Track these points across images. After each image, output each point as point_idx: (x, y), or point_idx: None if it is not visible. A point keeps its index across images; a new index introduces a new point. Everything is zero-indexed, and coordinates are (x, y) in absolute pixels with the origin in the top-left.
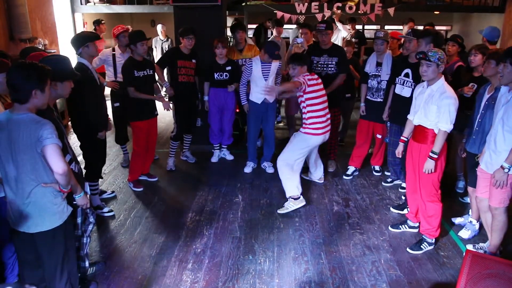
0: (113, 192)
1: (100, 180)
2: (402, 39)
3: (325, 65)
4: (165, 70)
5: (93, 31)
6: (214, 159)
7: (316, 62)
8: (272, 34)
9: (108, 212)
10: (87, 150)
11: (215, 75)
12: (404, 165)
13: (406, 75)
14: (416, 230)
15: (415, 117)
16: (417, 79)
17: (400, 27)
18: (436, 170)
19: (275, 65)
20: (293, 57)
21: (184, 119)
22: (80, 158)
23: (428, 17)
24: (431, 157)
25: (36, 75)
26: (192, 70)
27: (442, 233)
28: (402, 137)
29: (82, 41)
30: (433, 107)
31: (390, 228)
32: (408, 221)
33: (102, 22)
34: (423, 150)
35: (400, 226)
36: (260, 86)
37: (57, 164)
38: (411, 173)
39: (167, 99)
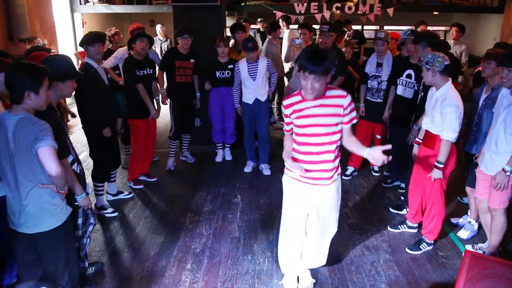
0: (130, 193)
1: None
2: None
3: None
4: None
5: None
6: (218, 158)
7: None
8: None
9: (112, 212)
10: (93, 149)
11: (217, 74)
12: (403, 166)
13: (408, 76)
14: (414, 231)
15: (423, 122)
16: (419, 80)
17: (400, 27)
18: (444, 175)
19: (263, 63)
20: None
21: (181, 118)
22: (81, 156)
23: (428, 17)
24: (437, 167)
25: (29, 76)
26: (190, 70)
27: (441, 234)
28: (417, 139)
29: (84, 42)
30: (437, 115)
31: (389, 228)
32: (407, 221)
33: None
34: (430, 155)
35: (399, 226)
36: (249, 86)
37: (51, 167)
38: (416, 175)
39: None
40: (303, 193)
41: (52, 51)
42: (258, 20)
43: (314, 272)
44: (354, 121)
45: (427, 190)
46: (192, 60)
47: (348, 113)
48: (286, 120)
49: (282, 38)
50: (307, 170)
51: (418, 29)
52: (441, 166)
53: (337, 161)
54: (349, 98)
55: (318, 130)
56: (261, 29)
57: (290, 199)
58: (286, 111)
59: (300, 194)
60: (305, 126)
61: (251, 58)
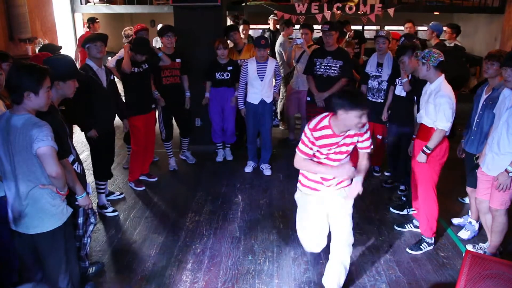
0: (121, 193)
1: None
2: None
3: (328, 67)
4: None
5: (87, 29)
6: (219, 158)
7: (319, 63)
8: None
9: (113, 212)
10: (93, 150)
11: (217, 75)
12: (402, 167)
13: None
14: (420, 230)
15: (418, 115)
16: (415, 81)
17: (401, 27)
18: (431, 165)
19: (271, 65)
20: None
21: (171, 121)
22: (82, 156)
23: (428, 17)
24: (424, 151)
25: (29, 77)
26: (177, 70)
27: (442, 234)
28: (414, 136)
29: (85, 42)
30: (431, 106)
31: (395, 227)
32: (414, 220)
33: (97, 20)
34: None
35: (406, 225)
36: (256, 86)
37: (50, 167)
38: (415, 171)
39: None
40: (321, 202)
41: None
42: (270, 17)
43: (314, 272)
44: (368, 150)
45: (419, 184)
46: (178, 60)
47: (365, 139)
48: (310, 146)
49: (292, 38)
50: (324, 179)
51: (406, 27)
52: (428, 151)
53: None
54: (366, 127)
55: (340, 157)
56: (272, 28)
57: (306, 211)
58: (316, 142)
59: (319, 203)
60: (330, 154)
61: (262, 56)
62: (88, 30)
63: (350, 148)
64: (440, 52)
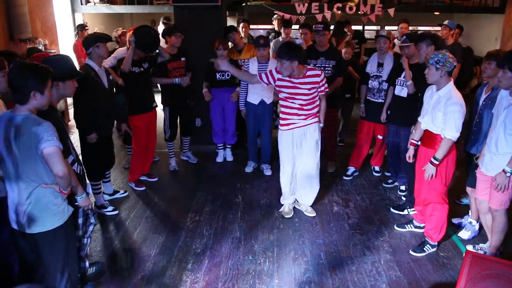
0: (125, 191)
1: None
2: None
3: (322, 68)
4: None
5: (76, 35)
6: (219, 158)
7: (313, 65)
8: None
9: (112, 211)
10: (85, 149)
11: (217, 75)
12: (405, 166)
13: None
14: (420, 231)
15: (423, 122)
16: (416, 80)
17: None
18: (442, 175)
19: (272, 65)
20: (283, 49)
21: (177, 121)
22: (82, 157)
23: (429, 17)
24: (432, 163)
25: (35, 76)
26: (182, 69)
27: None
28: (412, 140)
29: (93, 41)
30: (440, 114)
31: (395, 227)
32: (414, 221)
33: (86, 28)
34: (429, 155)
35: (406, 226)
36: (256, 87)
37: (57, 167)
38: (419, 176)
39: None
40: (293, 136)
41: (53, 51)
42: (274, 17)
43: (314, 272)
44: (326, 90)
45: (429, 190)
46: (183, 59)
47: (322, 85)
48: (271, 81)
49: (296, 38)
50: (292, 123)
51: (400, 27)
52: (436, 162)
53: (316, 110)
54: (322, 75)
55: (301, 97)
56: (277, 29)
57: (284, 145)
58: (276, 82)
59: (291, 138)
60: (292, 94)
61: (262, 56)
62: (77, 38)
63: (311, 92)
64: (454, 57)
